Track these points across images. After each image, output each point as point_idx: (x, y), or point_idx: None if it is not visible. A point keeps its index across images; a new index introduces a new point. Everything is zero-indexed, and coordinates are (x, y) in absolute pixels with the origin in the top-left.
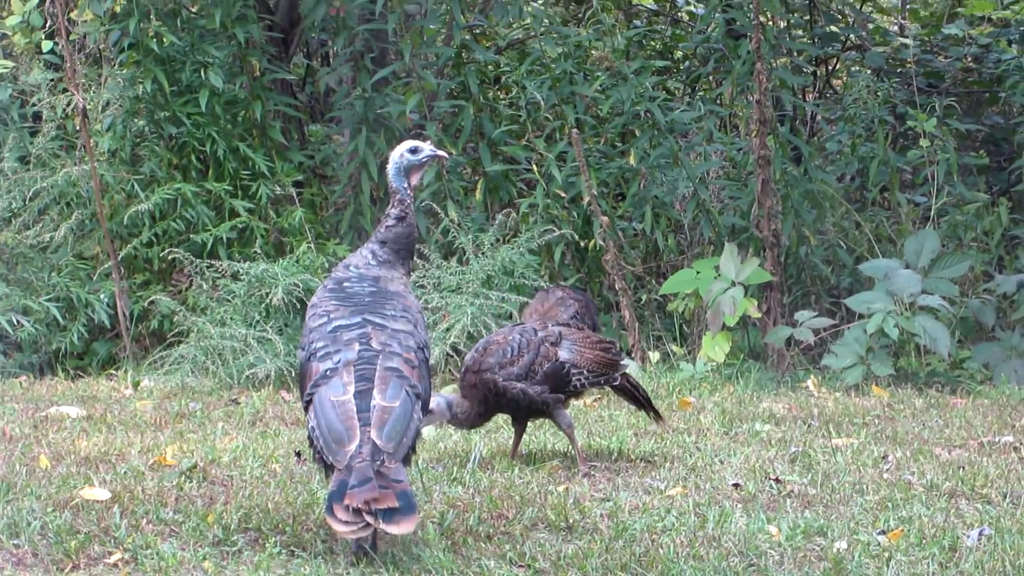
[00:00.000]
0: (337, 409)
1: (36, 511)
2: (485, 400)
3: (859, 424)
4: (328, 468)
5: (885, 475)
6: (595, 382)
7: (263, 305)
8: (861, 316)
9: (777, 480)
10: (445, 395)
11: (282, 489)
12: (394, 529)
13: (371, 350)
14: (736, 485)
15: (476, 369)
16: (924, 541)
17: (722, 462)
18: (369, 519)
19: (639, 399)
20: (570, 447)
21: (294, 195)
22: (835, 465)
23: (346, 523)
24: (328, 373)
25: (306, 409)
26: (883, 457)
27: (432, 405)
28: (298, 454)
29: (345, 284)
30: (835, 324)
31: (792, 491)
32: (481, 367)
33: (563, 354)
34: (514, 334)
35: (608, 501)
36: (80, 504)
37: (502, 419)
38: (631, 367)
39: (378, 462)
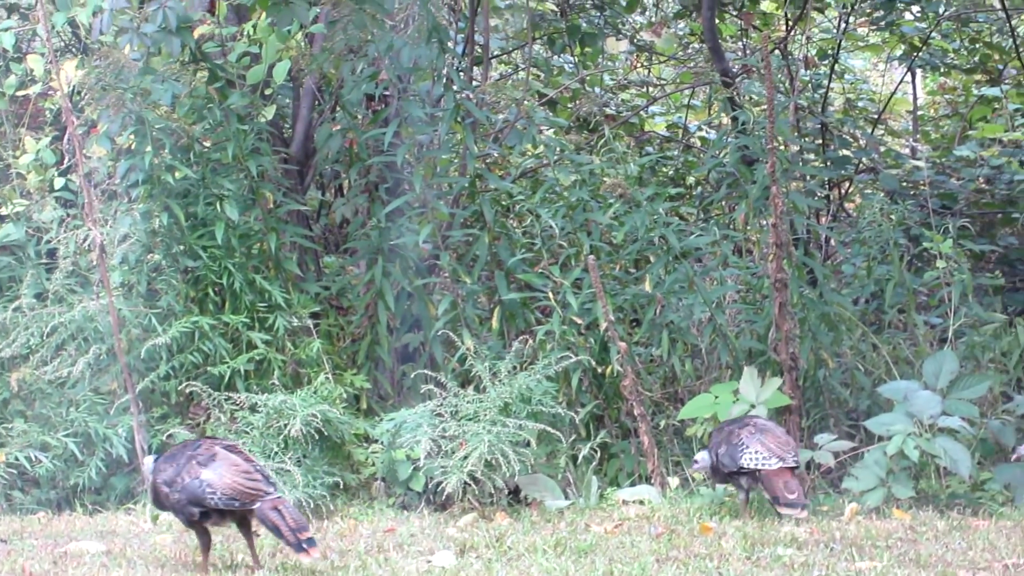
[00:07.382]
0: None
1: None
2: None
3: (882, 547)
4: None
5: None
6: (229, 504)
7: (281, 436)
8: (881, 438)
9: None
10: None
11: None
12: None
13: None
14: None
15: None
16: None
17: None
18: None
19: (272, 528)
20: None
21: (311, 326)
22: None
23: None
24: None
25: None
26: None
27: None
28: None
29: None
30: (855, 447)
31: None
32: (155, 468)
33: (205, 473)
34: (181, 447)
35: None
36: None
37: None
38: (649, 492)
39: None
